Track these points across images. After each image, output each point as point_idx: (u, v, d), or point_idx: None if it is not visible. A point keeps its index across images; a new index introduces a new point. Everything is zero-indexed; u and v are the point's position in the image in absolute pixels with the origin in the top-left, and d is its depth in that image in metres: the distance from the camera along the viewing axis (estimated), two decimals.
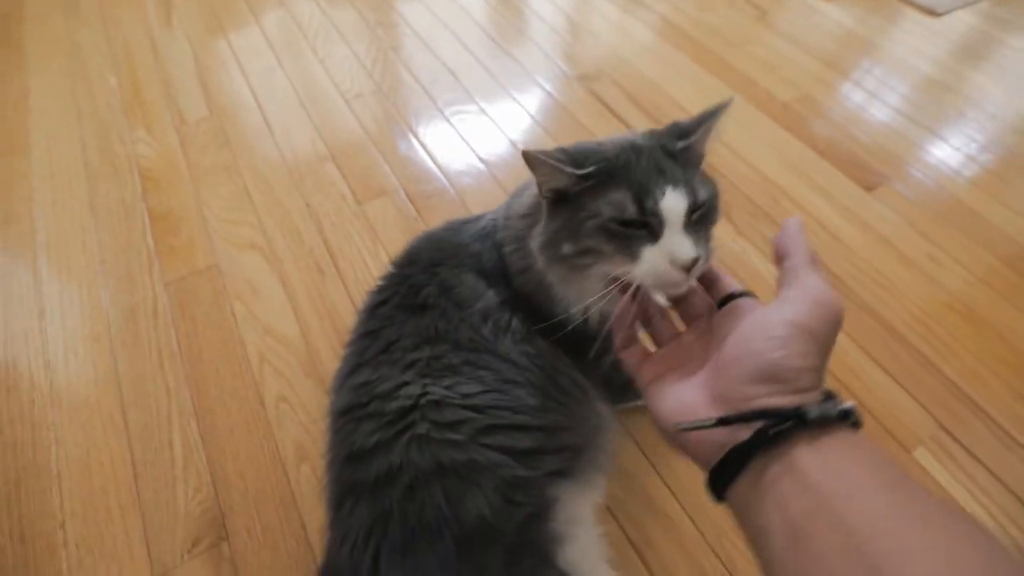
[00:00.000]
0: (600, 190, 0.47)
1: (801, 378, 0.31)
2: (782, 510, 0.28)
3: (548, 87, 1.25)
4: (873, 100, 1.32)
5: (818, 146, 1.19)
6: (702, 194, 0.47)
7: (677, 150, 0.48)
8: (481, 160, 1.10)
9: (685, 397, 0.36)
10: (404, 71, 1.28)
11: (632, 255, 0.46)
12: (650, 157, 0.47)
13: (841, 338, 0.86)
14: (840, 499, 0.26)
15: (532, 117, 1.19)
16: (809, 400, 0.31)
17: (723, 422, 0.32)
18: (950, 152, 1.21)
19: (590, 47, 1.40)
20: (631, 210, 0.45)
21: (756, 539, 0.29)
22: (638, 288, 0.45)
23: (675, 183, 0.45)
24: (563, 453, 0.54)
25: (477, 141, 1.13)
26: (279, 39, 1.34)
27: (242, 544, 0.65)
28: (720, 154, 1.14)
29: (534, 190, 0.54)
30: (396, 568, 0.46)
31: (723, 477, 0.31)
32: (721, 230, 1.01)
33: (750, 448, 0.30)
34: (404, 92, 1.23)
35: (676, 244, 0.44)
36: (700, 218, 0.47)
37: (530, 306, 0.58)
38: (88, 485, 0.69)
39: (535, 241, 0.53)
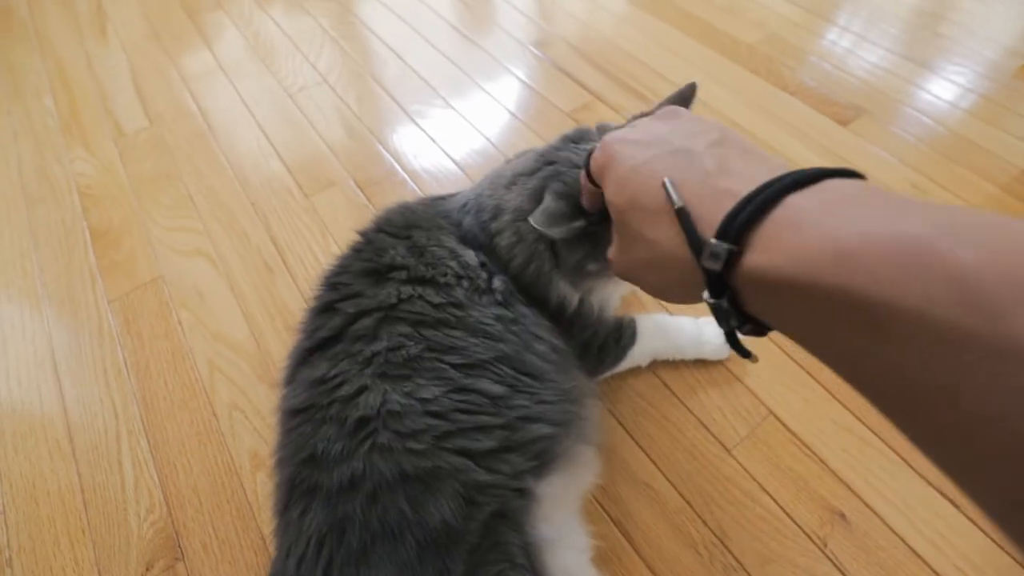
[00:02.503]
0: (591, 242, 0.50)
1: None
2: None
3: (520, 73, 1.19)
4: (845, 33, 1.26)
5: (788, 86, 1.12)
6: None
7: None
8: (432, 139, 1.04)
9: None
10: (347, 56, 1.23)
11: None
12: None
13: None
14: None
15: (501, 104, 1.14)
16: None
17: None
18: (927, 77, 1.15)
19: (560, 25, 1.34)
20: None
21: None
22: None
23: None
24: (532, 447, 0.49)
25: (426, 121, 1.08)
26: (217, 41, 1.28)
27: (199, 562, 0.61)
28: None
29: (530, 185, 0.54)
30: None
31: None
32: None
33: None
34: (347, 76, 1.17)
35: None
36: None
37: (526, 292, 0.57)
38: (35, 517, 0.65)
39: (565, 268, 0.55)
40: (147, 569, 0.61)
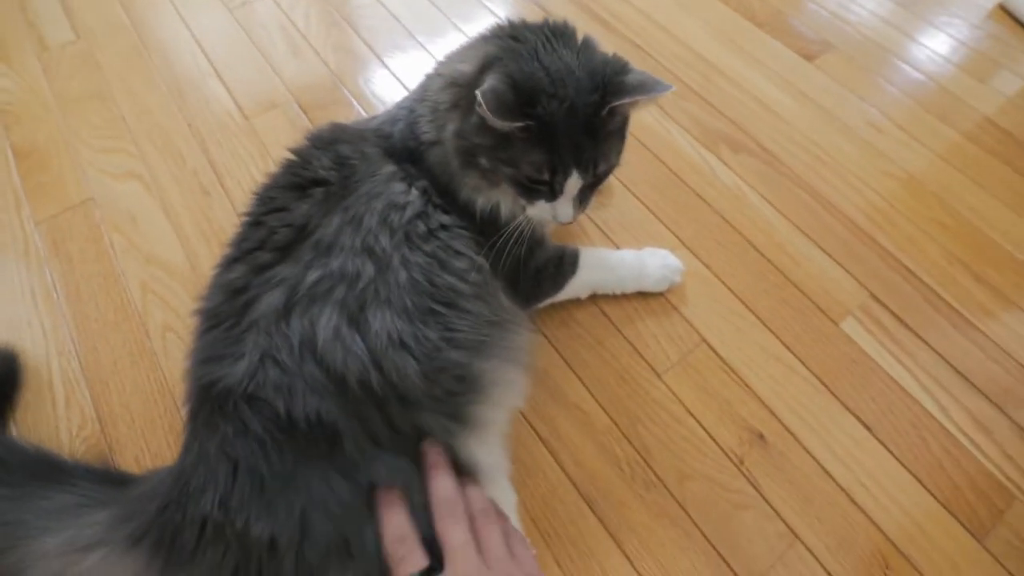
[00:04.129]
0: (527, 144, 0.51)
1: None
2: None
3: (499, 11, 1.11)
4: None
5: (757, 17, 1.08)
6: (601, 169, 0.55)
7: (600, 118, 0.51)
8: (382, 62, 0.99)
9: None
10: None
11: (528, 200, 0.56)
12: (574, 127, 0.50)
13: (770, 214, 0.82)
14: None
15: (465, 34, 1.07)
16: None
17: None
18: (902, 17, 1.11)
19: None
20: (544, 177, 0.53)
21: None
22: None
23: (583, 165, 0.52)
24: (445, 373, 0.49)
25: (376, 41, 1.02)
26: None
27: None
28: (651, 34, 1.04)
29: (467, 79, 0.53)
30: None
31: None
32: (647, 114, 0.93)
33: None
34: None
35: (561, 209, 0.56)
36: (592, 185, 0.57)
37: (437, 183, 0.57)
38: None
39: (452, 126, 0.54)
40: None
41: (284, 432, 0.44)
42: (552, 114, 0.49)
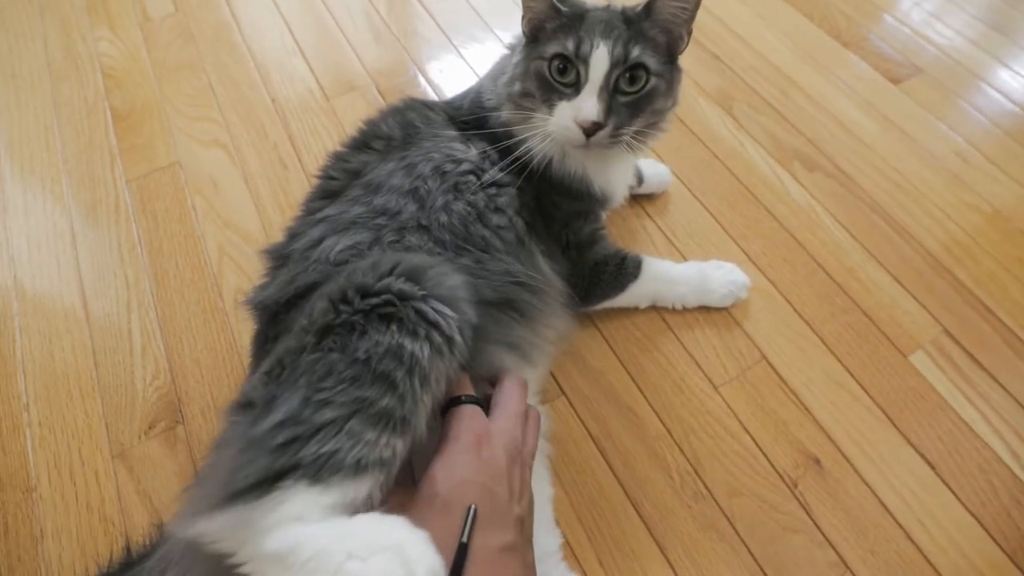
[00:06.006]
0: (557, 33, 0.53)
1: None
2: None
3: None
4: None
5: (842, 35, 1.05)
6: (634, 53, 0.51)
7: (634, 15, 0.53)
8: (460, 55, 1.01)
9: None
10: None
11: (551, 107, 0.54)
12: (607, 16, 0.53)
13: (843, 237, 0.80)
14: None
15: None
16: None
17: None
18: (1003, 47, 1.06)
19: None
20: (569, 48, 0.52)
21: None
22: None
23: (612, 40, 0.51)
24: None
25: (456, 36, 1.04)
26: None
27: (196, 426, 0.65)
28: (729, 45, 1.03)
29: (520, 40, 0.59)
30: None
31: None
32: (718, 123, 0.92)
33: None
34: None
35: (583, 103, 0.52)
36: (629, 89, 0.53)
37: (497, 144, 0.58)
38: (51, 370, 0.69)
39: (502, 81, 0.59)
40: (150, 427, 0.65)
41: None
42: (582, 6, 0.55)
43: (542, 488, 0.58)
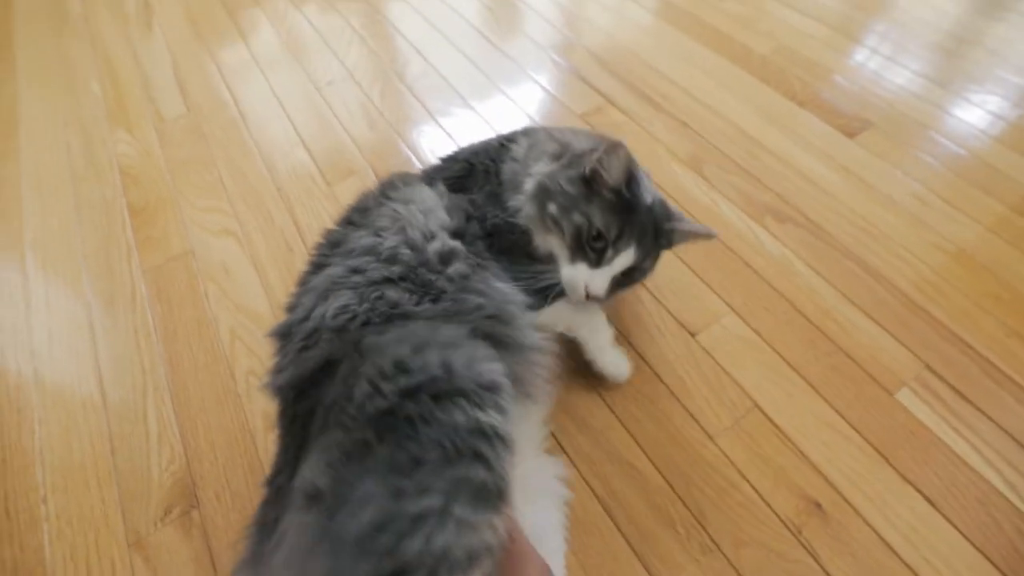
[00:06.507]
0: (612, 209, 0.61)
1: None
2: None
3: (538, 77, 1.24)
4: (860, 47, 1.28)
5: (797, 96, 1.15)
6: (646, 263, 0.66)
7: (663, 229, 0.65)
8: (448, 135, 1.10)
9: None
10: (373, 54, 1.29)
11: (571, 260, 0.63)
12: (646, 222, 0.63)
13: (817, 282, 0.85)
14: None
15: (517, 104, 1.19)
16: None
17: None
18: (943, 96, 1.16)
19: (583, 34, 1.39)
20: (610, 236, 0.61)
21: None
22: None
23: (639, 249, 0.62)
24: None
25: (445, 118, 1.14)
26: (253, 37, 1.36)
27: (212, 510, 0.67)
28: (697, 113, 1.12)
29: (575, 149, 0.66)
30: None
31: None
32: (692, 185, 0.99)
33: None
34: (372, 73, 1.24)
35: (598, 280, 0.62)
36: (626, 280, 0.65)
37: (491, 189, 0.67)
38: (68, 460, 0.71)
39: (539, 171, 0.65)
40: (166, 513, 0.67)
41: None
42: (640, 202, 0.63)
43: (555, 538, 0.59)
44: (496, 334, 0.55)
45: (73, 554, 0.65)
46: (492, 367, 0.46)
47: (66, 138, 1.13)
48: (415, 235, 0.60)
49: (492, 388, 0.43)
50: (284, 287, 0.87)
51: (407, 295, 0.55)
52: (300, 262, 0.89)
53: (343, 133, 1.11)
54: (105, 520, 0.67)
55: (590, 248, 0.62)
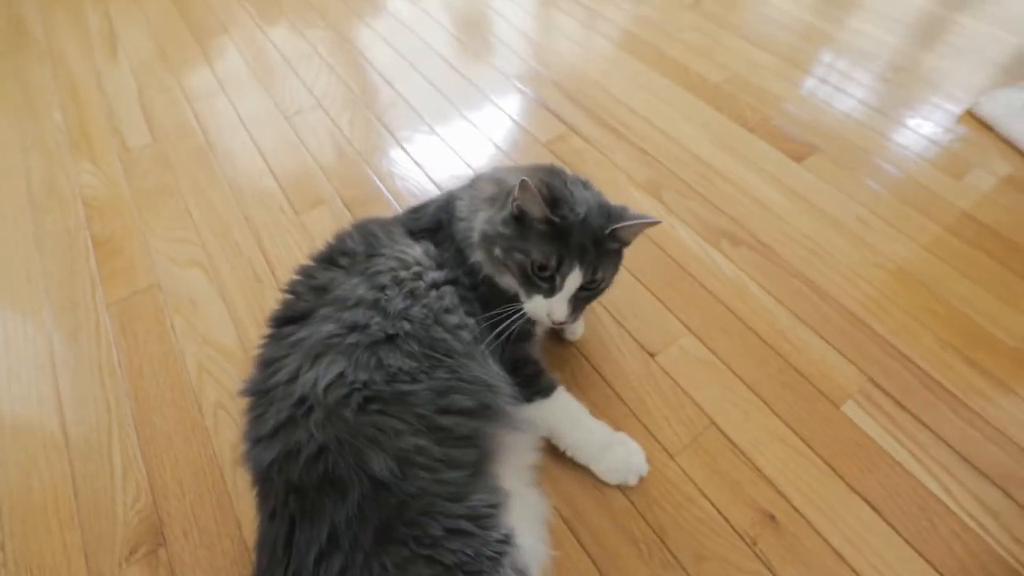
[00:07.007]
0: (544, 238, 0.62)
1: None
2: None
3: (503, 105, 1.28)
4: (808, 77, 1.36)
5: (748, 123, 1.21)
6: (599, 274, 0.65)
7: (603, 236, 0.63)
8: (416, 163, 1.12)
9: None
10: (341, 83, 1.31)
11: (528, 294, 0.65)
12: (584, 235, 0.62)
13: (770, 303, 0.89)
14: None
15: (483, 133, 1.22)
16: None
17: None
18: (882, 122, 1.24)
19: (546, 64, 1.44)
20: (551, 266, 0.62)
21: None
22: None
23: (585, 264, 0.62)
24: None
25: (412, 146, 1.16)
26: (220, 64, 1.37)
27: (179, 547, 0.66)
28: (655, 140, 1.17)
29: (508, 186, 0.66)
30: (308, 529, 0.48)
31: None
32: (651, 209, 1.03)
33: None
34: (340, 101, 1.26)
35: (556, 306, 0.64)
36: (587, 290, 0.65)
37: (455, 249, 0.69)
38: (28, 503, 0.70)
39: (480, 221, 0.67)
40: (131, 553, 0.66)
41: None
42: (570, 222, 0.62)
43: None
44: (491, 404, 0.59)
45: None
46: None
47: (26, 166, 1.12)
48: (421, 291, 0.63)
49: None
50: (253, 319, 0.87)
51: (407, 361, 0.57)
52: (270, 292, 0.90)
53: (311, 161, 1.12)
54: (67, 564, 0.66)
55: (539, 280, 0.64)
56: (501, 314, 0.65)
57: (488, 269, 0.67)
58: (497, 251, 0.64)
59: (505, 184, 0.69)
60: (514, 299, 0.67)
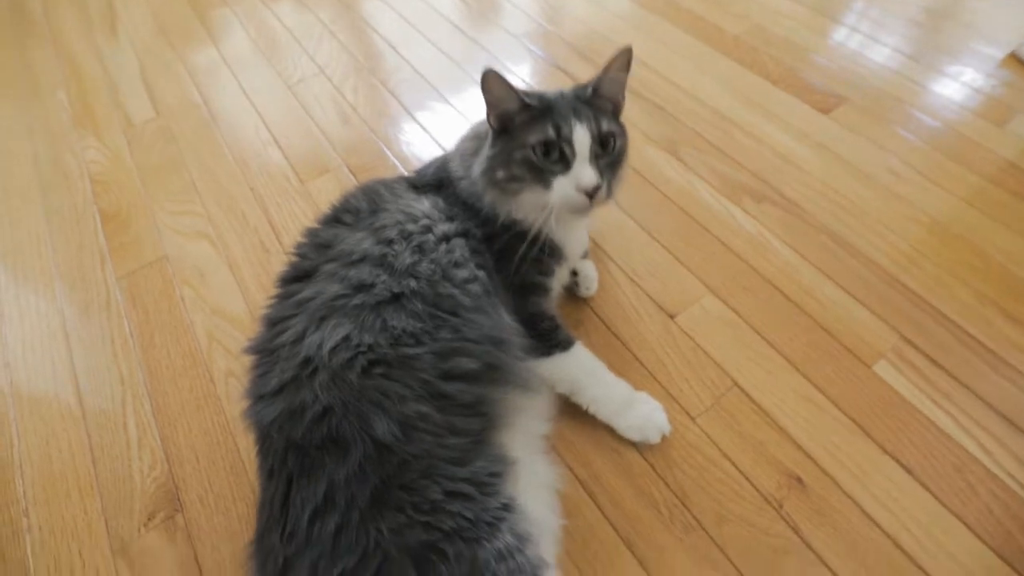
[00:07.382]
0: (532, 124, 0.61)
1: None
2: None
3: (515, 68, 1.23)
4: (833, 24, 1.28)
5: (771, 75, 1.15)
6: (605, 126, 0.62)
7: (588, 96, 0.63)
8: (423, 128, 1.09)
9: None
10: (345, 50, 1.27)
11: (547, 184, 0.61)
12: (569, 101, 0.62)
13: (795, 260, 0.85)
14: None
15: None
16: None
17: None
18: (915, 69, 1.16)
19: (560, 25, 1.38)
20: (551, 134, 0.59)
21: None
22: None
23: (584, 120, 0.60)
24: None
25: (419, 112, 1.13)
26: (222, 37, 1.34)
27: (195, 513, 0.67)
28: (673, 96, 1.12)
29: (483, 125, 0.66)
30: (305, 487, 0.47)
31: None
32: (667, 167, 0.99)
33: None
34: (344, 69, 1.22)
35: (581, 173, 0.60)
36: (605, 153, 0.62)
37: (464, 205, 0.67)
38: (49, 472, 0.71)
39: (477, 168, 0.65)
40: (149, 519, 0.66)
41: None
42: (548, 99, 0.62)
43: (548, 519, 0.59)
44: (498, 363, 0.57)
45: (57, 565, 0.64)
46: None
47: (32, 146, 1.11)
48: (430, 245, 0.60)
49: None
50: (260, 288, 0.86)
51: (412, 322, 0.54)
52: (276, 262, 0.89)
53: (316, 130, 1.09)
54: (88, 529, 0.66)
55: (550, 163, 0.61)
56: (525, 256, 0.63)
57: (502, 207, 0.65)
58: (500, 173, 0.62)
59: (480, 129, 0.69)
60: (535, 240, 0.64)
